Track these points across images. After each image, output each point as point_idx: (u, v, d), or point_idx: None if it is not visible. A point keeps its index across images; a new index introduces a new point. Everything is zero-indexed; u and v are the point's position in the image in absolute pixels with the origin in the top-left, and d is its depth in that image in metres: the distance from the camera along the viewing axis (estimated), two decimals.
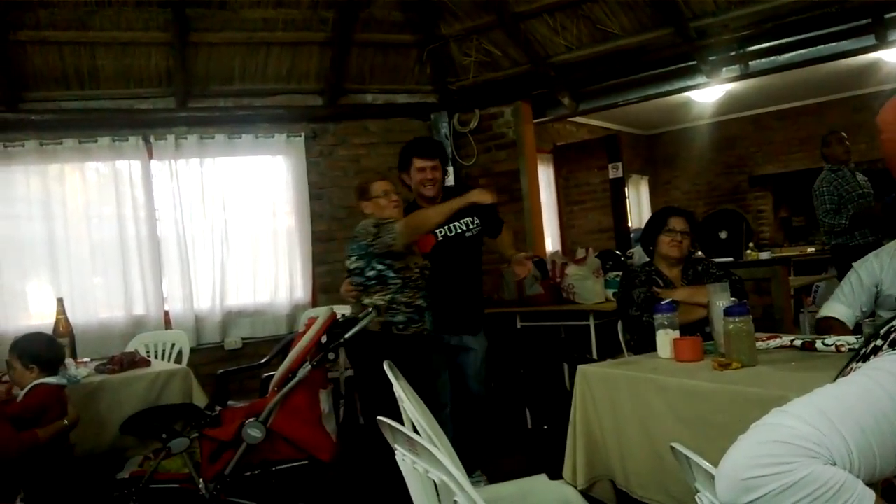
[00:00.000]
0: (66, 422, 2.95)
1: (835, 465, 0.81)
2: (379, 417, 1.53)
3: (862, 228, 5.10)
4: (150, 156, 5.20)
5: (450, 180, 5.83)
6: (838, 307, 2.94)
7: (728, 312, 2.33)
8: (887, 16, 4.41)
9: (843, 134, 5.44)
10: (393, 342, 3.27)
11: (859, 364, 0.97)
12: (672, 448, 1.17)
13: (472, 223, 3.83)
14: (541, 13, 5.08)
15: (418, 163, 3.76)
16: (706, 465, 1.05)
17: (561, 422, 2.76)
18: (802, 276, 6.79)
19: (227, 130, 5.38)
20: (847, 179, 5.23)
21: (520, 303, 5.09)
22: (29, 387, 2.98)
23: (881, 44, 4.61)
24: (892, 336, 0.94)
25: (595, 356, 4.59)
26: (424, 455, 1.34)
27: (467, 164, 6.03)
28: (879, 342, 0.97)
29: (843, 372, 1.00)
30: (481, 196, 3.45)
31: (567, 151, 8.09)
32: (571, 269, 4.91)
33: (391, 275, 3.36)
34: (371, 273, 3.36)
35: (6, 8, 4.48)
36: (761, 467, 0.81)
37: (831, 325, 2.89)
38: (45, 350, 3.08)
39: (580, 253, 5.15)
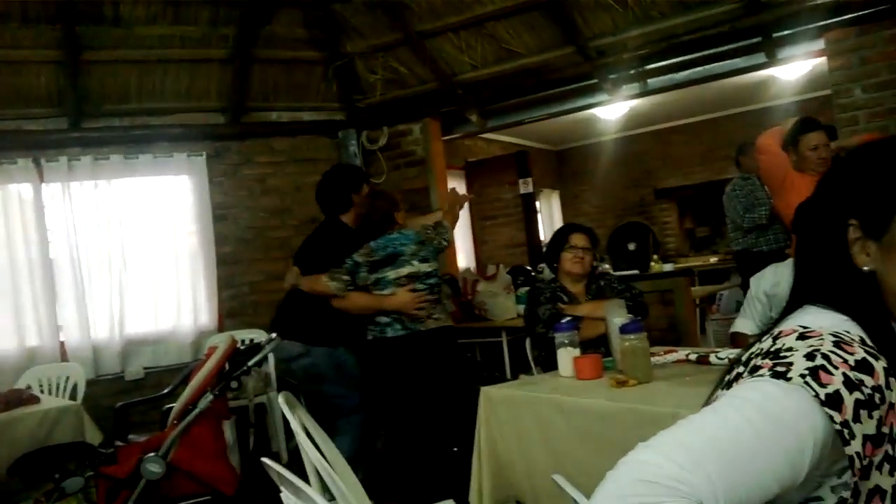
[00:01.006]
0: None
1: (700, 502, 0.80)
2: (263, 459, 1.47)
3: (778, 222, 5.14)
4: (42, 179, 4.94)
5: None
6: (742, 322, 3.20)
7: (623, 330, 2.36)
8: (776, 35, 4.60)
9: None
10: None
11: (723, 391, 0.97)
12: (554, 479, 1.16)
13: None
14: (445, 31, 5.10)
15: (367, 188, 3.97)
16: (582, 500, 1.04)
17: (471, 444, 2.73)
18: (707, 285, 7.02)
19: (123, 151, 5.15)
20: (757, 187, 5.27)
21: None
22: None
23: (771, 61, 4.81)
24: (752, 362, 0.95)
25: (508, 373, 4.61)
26: (306, 499, 1.29)
27: (377, 182, 5.97)
28: (741, 368, 0.97)
29: (708, 400, 1.00)
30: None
31: (478, 167, 8.16)
32: (482, 286, 4.94)
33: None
34: (438, 272, 3.62)
35: None
36: None
37: (738, 341, 3.10)
38: None
39: (491, 269, 5.19)
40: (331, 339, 3.68)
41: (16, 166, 4.86)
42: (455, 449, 3.33)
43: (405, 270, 3.42)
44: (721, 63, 4.92)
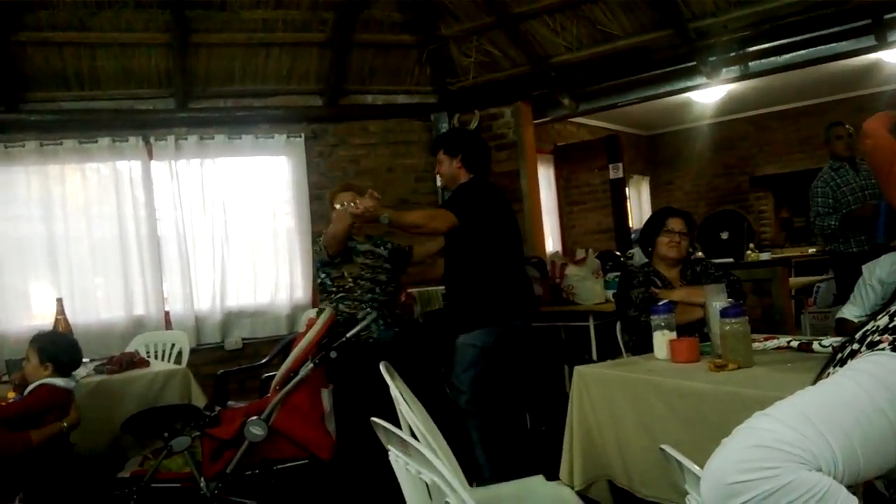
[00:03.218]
0: (64, 424, 2.95)
1: (819, 469, 0.81)
2: (372, 419, 1.54)
3: (852, 231, 4.82)
4: (151, 156, 5.22)
5: None
6: (851, 308, 3.13)
7: (724, 314, 2.33)
8: (887, 16, 4.40)
9: (847, 127, 4.98)
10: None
11: (836, 368, 0.97)
12: (662, 450, 1.18)
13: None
14: (540, 14, 5.08)
15: None
16: (695, 467, 1.06)
17: (559, 423, 2.76)
18: (803, 276, 6.79)
19: (227, 131, 5.39)
20: (847, 179, 4.91)
21: None
22: (33, 385, 2.98)
23: (881, 44, 4.60)
24: (868, 339, 0.95)
25: (595, 357, 4.59)
26: (416, 456, 1.35)
27: None
28: (856, 346, 0.97)
29: (820, 376, 1.00)
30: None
31: (567, 152, 8.09)
32: (571, 270, 4.92)
33: (329, 283, 3.67)
34: (318, 281, 3.75)
35: (7, 9, 4.49)
36: (746, 472, 0.81)
37: (845, 328, 3.03)
38: (65, 352, 3.08)
39: (580, 253, 5.16)
40: None
41: (127, 144, 5.14)
42: (543, 428, 3.36)
43: None
44: (826, 46, 4.74)
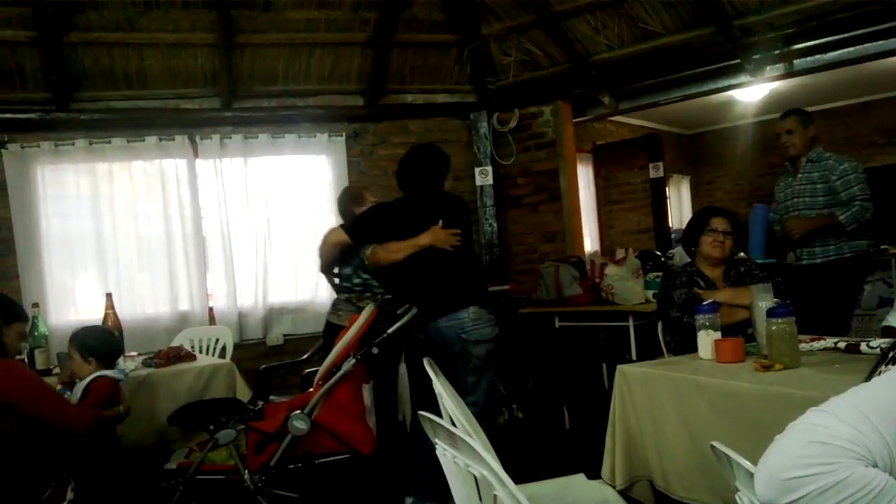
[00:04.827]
0: (121, 408, 3.04)
1: (875, 465, 0.82)
2: (419, 412, 1.56)
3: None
4: (196, 155, 5.32)
5: (488, 180, 5.86)
6: (893, 316, 2.99)
7: (771, 313, 2.31)
8: None
9: (789, 121, 4.61)
10: None
11: (889, 367, 0.97)
12: (712, 447, 1.18)
13: None
14: (582, 12, 5.06)
15: None
16: (747, 464, 1.06)
17: (600, 422, 2.76)
18: None
19: (270, 130, 5.47)
20: (788, 182, 4.62)
21: (558, 303, 5.08)
22: (89, 378, 3.05)
23: None
24: None
25: (634, 357, 4.57)
26: (465, 449, 1.37)
27: (506, 164, 6.04)
28: None
29: (872, 374, 1.00)
30: (435, 238, 3.37)
31: (607, 151, 8.05)
32: (611, 270, 4.90)
33: (375, 284, 3.70)
34: (357, 280, 3.75)
35: (57, 10, 4.61)
36: (802, 468, 0.81)
37: (891, 335, 2.93)
38: (103, 343, 3.17)
39: (619, 253, 5.13)
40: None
41: (173, 143, 5.25)
42: (583, 426, 3.35)
43: None
44: (873, 43, 4.67)
